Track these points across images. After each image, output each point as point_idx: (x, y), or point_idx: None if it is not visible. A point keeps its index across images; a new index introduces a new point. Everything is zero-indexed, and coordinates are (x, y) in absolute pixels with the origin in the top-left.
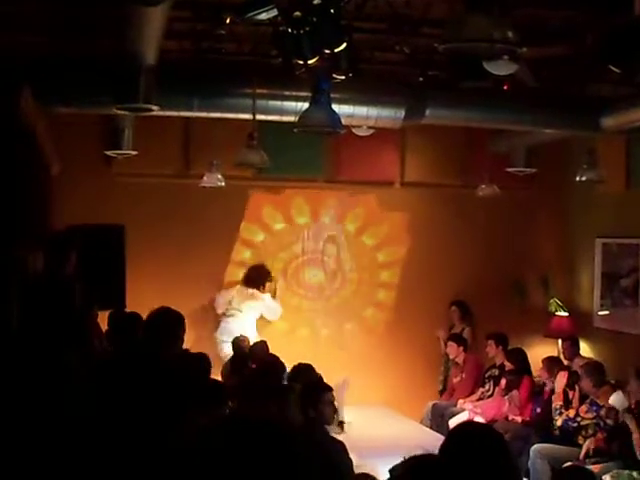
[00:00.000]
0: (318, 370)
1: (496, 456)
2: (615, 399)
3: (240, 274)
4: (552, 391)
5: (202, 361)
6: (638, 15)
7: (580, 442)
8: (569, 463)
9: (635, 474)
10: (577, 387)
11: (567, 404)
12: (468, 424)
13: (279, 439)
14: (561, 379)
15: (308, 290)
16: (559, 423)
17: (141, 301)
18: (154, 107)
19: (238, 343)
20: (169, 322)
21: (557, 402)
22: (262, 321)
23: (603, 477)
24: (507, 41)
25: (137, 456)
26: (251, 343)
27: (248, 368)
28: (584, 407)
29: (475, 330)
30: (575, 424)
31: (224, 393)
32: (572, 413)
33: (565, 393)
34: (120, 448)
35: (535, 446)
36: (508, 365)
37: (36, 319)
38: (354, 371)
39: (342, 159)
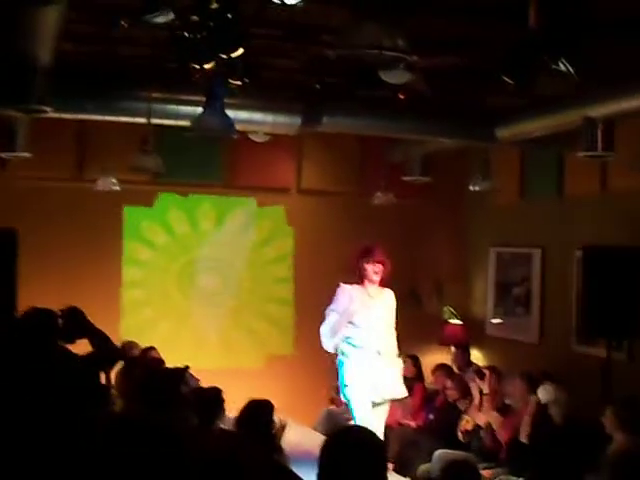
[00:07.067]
0: (210, 377)
1: (372, 461)
2: (542, 393)
3: (137, 277)
4: (445, 398)
5: (82, 361)
6: (532, 27)
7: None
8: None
9: None
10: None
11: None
12: (348, 428)
13: (159, 442)
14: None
15: (202, 295)
16: (470, 427)
17: (35, 305)
18: (48, 109)
19: (126, 348)
20: (37, 322)
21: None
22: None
23: None
24: (397, 49)
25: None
26: None
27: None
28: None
29: None
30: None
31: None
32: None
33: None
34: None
35: (437, 452)
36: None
37: None
38: (248, 376)
39: (240, 165)
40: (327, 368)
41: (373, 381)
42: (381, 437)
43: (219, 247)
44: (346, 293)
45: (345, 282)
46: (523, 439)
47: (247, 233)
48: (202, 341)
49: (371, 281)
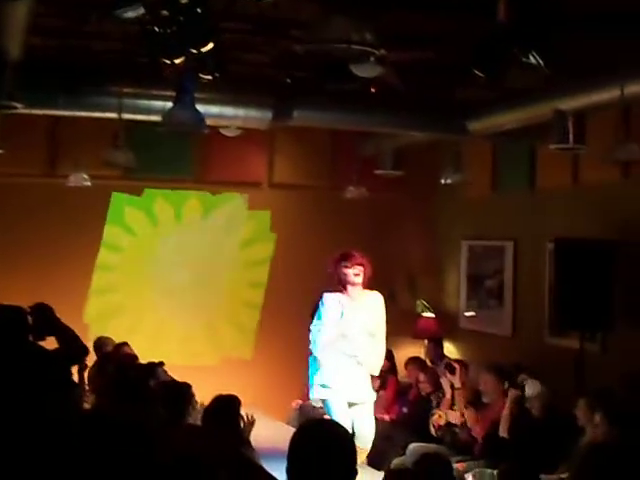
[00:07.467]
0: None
1: (340, 454)
2: (529, 387)
3: (111, 261)
4: (418, 392)
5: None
6: (502, 21)
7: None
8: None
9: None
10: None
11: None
12: (316, 421)
13: (127, 437)
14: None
15: (172, 289)
16: (442, 422)
17: (7, 302)
18: (18, 105)
19: (100, 344)
20: (6, 319)
21: (445, 407)
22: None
23: (465, 476)
24: (365, 43)
25: None
26: None
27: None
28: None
29: None
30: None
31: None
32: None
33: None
34: None
35: (411, 445)
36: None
37: None
38: (221, 370)
39: (211, 160)
40: (292, 368)
41: (350, 387)
42: (372, 431)
43: (200, 243)
44: (331, 304)
45: (327, 291)
46: (503, 433)
47: (232, 232)
48: (163, 334)
49: (353, 284)
